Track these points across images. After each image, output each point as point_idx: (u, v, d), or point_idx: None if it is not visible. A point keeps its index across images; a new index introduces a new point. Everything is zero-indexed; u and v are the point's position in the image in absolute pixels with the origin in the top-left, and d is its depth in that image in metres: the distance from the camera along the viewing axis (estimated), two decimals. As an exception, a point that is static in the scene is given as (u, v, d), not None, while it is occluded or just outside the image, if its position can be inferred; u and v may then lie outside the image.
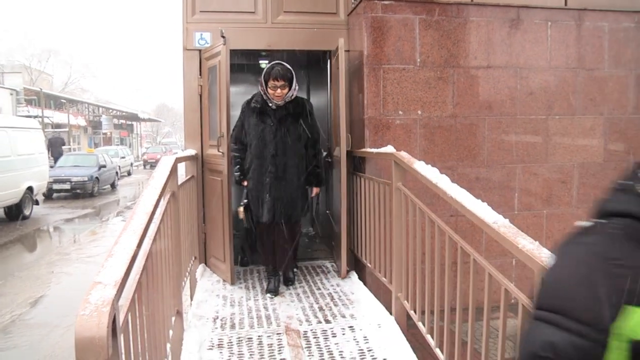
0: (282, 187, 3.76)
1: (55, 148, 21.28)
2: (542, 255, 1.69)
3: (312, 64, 6.20)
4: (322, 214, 5.65)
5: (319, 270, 4.65)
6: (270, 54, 5.63)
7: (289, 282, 4.15)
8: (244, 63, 6.45)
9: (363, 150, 4.15)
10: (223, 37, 3.93)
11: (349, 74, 4.49)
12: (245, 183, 3.92)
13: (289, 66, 3.67)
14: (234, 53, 5.03)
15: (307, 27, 4.64)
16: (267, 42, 4.62)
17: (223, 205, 4.06)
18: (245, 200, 3.93)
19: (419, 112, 4.30)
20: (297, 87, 3.74)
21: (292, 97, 3.77)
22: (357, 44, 4.36)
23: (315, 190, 4.08)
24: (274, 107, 3.76)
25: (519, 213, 4.53)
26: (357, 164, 4.37)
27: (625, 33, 4.74)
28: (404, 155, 3.26)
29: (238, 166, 3.92)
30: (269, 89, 3.69)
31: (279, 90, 3.68)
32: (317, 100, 6.45)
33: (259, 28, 4.62)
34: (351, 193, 4.33)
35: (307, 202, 4.05)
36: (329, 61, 4.83)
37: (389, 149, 3.65)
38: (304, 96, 6.93)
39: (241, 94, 6.81)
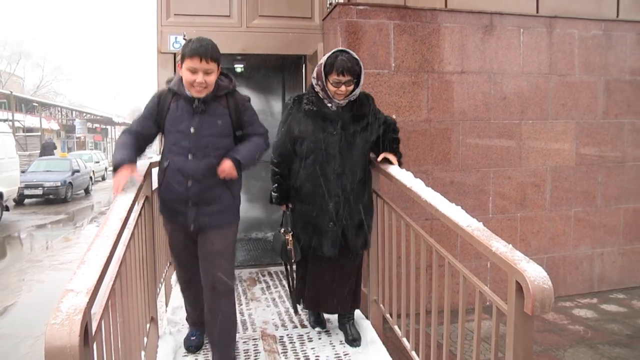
0: (350, 213, 2.87)
1: (48, 153, 21.17)
2: (515, 257, 1.72)
3: (287, 69, 6.23)
4: None
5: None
6: (245, 58, 5.63)
7: (354, 342, 3.08)
8: (221, 67, 6.42)
9: None
10: (185, 39, 3.92)
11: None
12: (286, 207, 3.06)
13: (356, 55, 2.76)
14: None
15: (282, 31, 4.67)
16: (242, 46, 4.62)
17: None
18: (290, 230, 3.01)
19: (394, 116, 4.31)
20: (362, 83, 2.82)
21: (356, 96, 2.85)
22: (331, 49, 4.31)
23: (392, 157, 2.97)
24: (334, 107, 2.82)
25: (493, 216, 4.61)
26: None
27: (593, 40, 4.89)
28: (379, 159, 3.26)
29: (277, 185, 2.99)
30: (329, 85, 2.74)
31: (343, 88, 2.73)
32: None
33: (234, 32, 4.63)
34: None
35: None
36: (304, 66, 4.86)
37: None
38: (279, 101, 6.95)
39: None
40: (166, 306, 3.90)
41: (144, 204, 2.79)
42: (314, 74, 2.83)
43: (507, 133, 4.66)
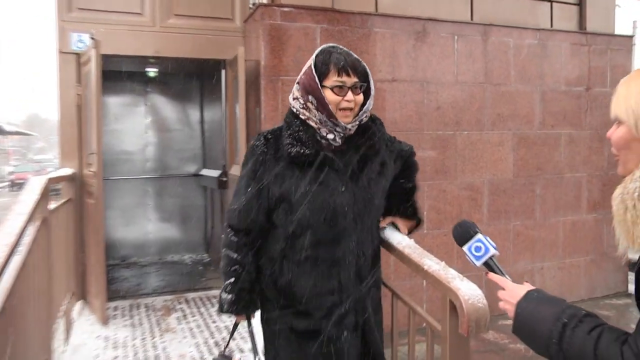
0: (370, 309, 2.05)
1: None
2: (449, 275, 1.79)
3: (206, 74, 6.30)
4: (216, 238, 5.71)
5: (214, 301, 4.72)
6: (159, 62, 5.64)
7: None
8: (132, 71, 6.39)
9: None
10: (93, 39, 3.93)
11: (245, 86, 4.62)
12: (247, 319, 2.10)
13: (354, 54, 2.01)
14: (118, 59, 4.96)
15: (200, 32, 4.76)
16: (155, 47, 4.66)
17: (96, 233, 4.02)
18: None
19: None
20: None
21: (369, 115, 2.05)
22: (253, 53, 4.54)
23: (403, 224, 2.25)
24: (337, 141, 1.96)
25: (428, 232, 4.88)
26: None
27: (529, 49, 5.32)
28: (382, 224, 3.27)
29: (233, 281, 2.02)
30: (328, 94, 1.90)
31: (350, 95, 1.90)
32: (211, 114, 6.58)
33: (146, 31, 4.67)
34: None
35: None
36: (223, 71, 4.98)
37: None
38: (197, 109, 6.95)
39: (127, 105, 6.75)
40: (67, 344, 3.84)
41: (39, 226, 2.77)
42: (297, 89, 1.97)
43: (441, 144, 4.97)
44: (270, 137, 1.98)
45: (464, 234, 1.56)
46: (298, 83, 1.96)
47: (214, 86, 5.73)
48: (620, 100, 1.19)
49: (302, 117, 1.94)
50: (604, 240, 5.80)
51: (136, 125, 6.88)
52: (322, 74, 1.91)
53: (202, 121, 7.06)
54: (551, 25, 5.57)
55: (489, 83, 5.17)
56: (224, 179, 4.93)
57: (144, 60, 5.64)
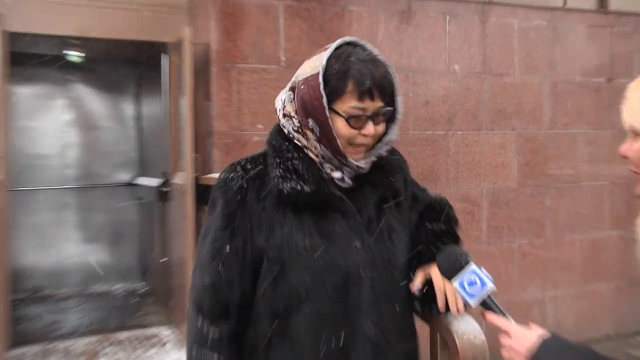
0: None
1: None
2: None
3: (142, 60, 6.27)
4: (156, 263, 5.74)
5: (153, 341, 4.70)
6: (85, 43, 5.60)
7: None
8: (49, 54, 6.34)
9: (211, 176, 4.34)
10: None
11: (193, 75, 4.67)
12: None
13: (378, 52, 1.73)
14: (31, 38, 4.92)
15: (136, 8, 4.73)
16: (79, 25, 4.64)
17: None
18: None
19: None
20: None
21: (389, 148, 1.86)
22: (202, 35, 4.58)
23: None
24: (346, 180, 1.76)
25: None
26: (204, 194, 4.49)
27: (537, 32, 5.46)
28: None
29: None
30: (338, 124, 1.64)
31: (370, 128, 1.66)
32: (149, 109, 6.60)
33: (67, 4, 4.61)
34: (197, 232, 4.36)
35: None
36: (165, 57, 5.01)
37: None
38: (131, 103, 6.98)
39: (42, 96, 6.68)
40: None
41: None
42: (290, 101, 1.72)
43: (430, 147, 5.08)
44: (250, 167, 1.72)
45: (452, 264, 1.54)
46: (292, 91, 1.70)
47: (153, 75, 5.71)
48: (634, 108, 1.21)
49: (298, 142, 1.71)
50: (632, 262, 5.72)
51: (54, 122, 6.79)
52: (335, 93, 1.62)
53: (138, 117, 6.99)
54: (564, 4, 5.69)
55: (488, 73, 5.29)
56: (166, 189, 4.94)
57: (64, 41, 5.61)
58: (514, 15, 5.37)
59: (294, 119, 1.70)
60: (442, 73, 5.10)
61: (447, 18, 5.13)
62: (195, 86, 4.60)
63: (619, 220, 5.82)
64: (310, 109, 1.63)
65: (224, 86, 4.40)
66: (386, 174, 1.80)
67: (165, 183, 5.11)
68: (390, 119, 1.74)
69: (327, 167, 1.72)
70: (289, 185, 1.65)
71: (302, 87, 1.65)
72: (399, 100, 1.72)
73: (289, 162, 1.69)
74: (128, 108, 6.96)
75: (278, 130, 1.76)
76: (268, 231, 1.66)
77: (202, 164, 4.55)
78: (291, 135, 1.72)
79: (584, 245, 5.71)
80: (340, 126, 1.63)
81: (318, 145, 1.67)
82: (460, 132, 5.18)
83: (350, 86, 1.61)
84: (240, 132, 4.46)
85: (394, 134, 1.76)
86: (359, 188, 1.76)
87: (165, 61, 5.05)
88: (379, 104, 1.65)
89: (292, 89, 1.71)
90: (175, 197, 4.60)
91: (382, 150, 1.76)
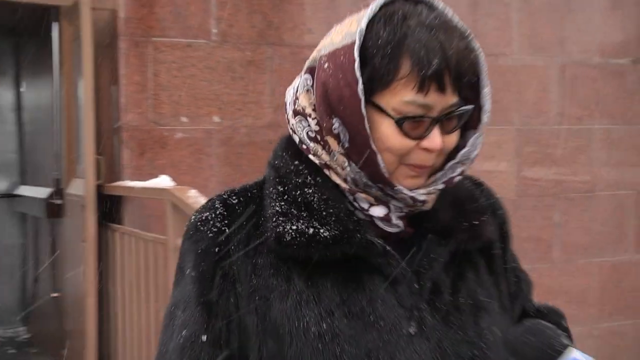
0: None
1: None
2: None
3: (23, 30, 6.27)
4: (44, 299, 5.66)
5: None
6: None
7: None
8: None
9: (120, 184, 4.34)
10: None
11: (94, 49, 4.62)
12: None
13: (456, 18, 1.39)
14: None
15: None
16: None
17: None
18: None
19: (217, 118, 4.58)
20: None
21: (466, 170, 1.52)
22: None
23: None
24: (395, 221, 1.39)
25: None
26: (110, 208, 4.51)
27: (542, 1, 5.39)
28: (187, 193, 3.54)
29: None
30: (386, 129, 1.30)
31: (435, 138, 1.29)
32: (34, 96, 6.56)
33: None
34: (101, 259, 4.43)
35: None
36: (56, 26, 4.93)
37: (164, 181, 3.93)
38: (9, 88, 6.93)
39: None
40: None
41: None
42: (307, 89, 1.40)
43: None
44: (236, 201, 1.43)
45: (544, 349, 1.25)
46: (311, 73, 1.37)
47: (39, 50, 5.71)
48: None
49: (315, 160, 1.36)
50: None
51: None
52: (379, 78, 1.26)
53: (18, 107, 7.03)
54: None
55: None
56: (58, 201, 4.83)
57: None
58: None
59: (309, 119, 1.34)
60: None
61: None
62: (98, 66, 4.54)
63: (646, 239, 5.91)
64: (335, 102, 1.26)
65: (136, 66, 4.40)
66: (465, 213, 1.43)
67: (57, 193, 5.01)
68: (468, 122, 1.35)
69: (362, 200, 1.35)
70: (293, 228, 1.30)
71: (326, 66, 1.29)
72: (486, 93, 1.32)
73: (298, 191, 1.35)
74: (4, 95, 6.90)
75: (286, 142, 1.43)
76: (262, 306, 1.33)
77: (108, 169, 4.51)
78: (304, 147, 1.36)
79: (603, 271, 5.72)
80: (386, 133, 1.26)
81: (346, 162, 1.30)
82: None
83: (405, 67, 1.23)
84: (158, 126, 4.46)
85: (475, 147, 1.36)
86: (417, 235, 1.38)
87: (55, 32, 4.98)
88: (452, 99, 1.26)
89: (311, 70, 1.36)
90: (70, 213, 4.57)
91: (456, 173, 1.36)
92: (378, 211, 1.32)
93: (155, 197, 3.94)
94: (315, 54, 1.34)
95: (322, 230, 1.27)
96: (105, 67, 4.53)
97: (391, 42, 1.22)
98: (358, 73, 1.20)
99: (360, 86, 1.20)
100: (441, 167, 1.33)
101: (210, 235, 1.34)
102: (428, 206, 1.34)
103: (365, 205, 1.33)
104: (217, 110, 4.51)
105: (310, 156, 1.34)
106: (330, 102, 1.25)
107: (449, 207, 1.40)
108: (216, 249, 1.33)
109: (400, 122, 1.23)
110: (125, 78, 4.35)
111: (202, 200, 3.32)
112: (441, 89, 1.22)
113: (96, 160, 4.35)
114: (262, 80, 4.63)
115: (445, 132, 1.27)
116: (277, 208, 1.31)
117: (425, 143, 1.25)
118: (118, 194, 4.37)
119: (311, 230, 1.27)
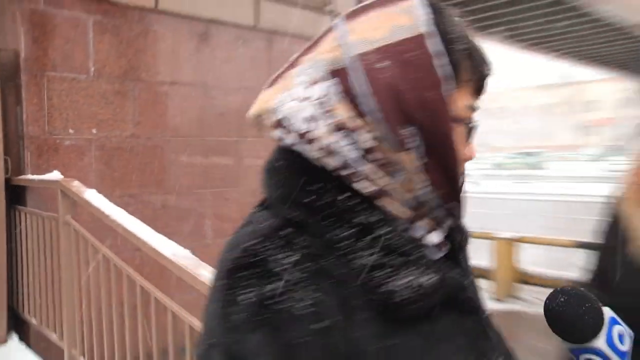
0: None
1: None
2: None
3: None
4: None
5: None
6: None
7: None
8: None
9: (22, 177, 5.37)
10: None
11: (1, 79, 5.50)
12: None
13: None
14: None
15: None
16: None
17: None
18: None
19: (94, 131, 5.86)
20: None
21: None
22: (9, 41, 5.49)
23: None
24: (442, 250, 1.13)
25: (213, 241, 6.53)
26: (17, 195, 5.47)
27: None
28: (72, 183, 4.43)
29: None
30: (461, 134, 1.09)
31: (475, 149, 1.17)
32: None
33: None
34: (10, 233, 5.38)
35: None
36: None
37: (55, 175, 4.93)
38: None
39: None
40: None
41: None
42: (344, 96, 1.01)
43: (224, 151, 6.72)
44: (304, 247, 0.98)
45: (591, 316, 1.17)
46: (339, 75, 1.01)
47: None
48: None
49: (366, 186, 1.00)
50: None
51: None
52: (452, 78, 1.03)
53: None
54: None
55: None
56: None
57: None
58: (296, 44, 5.92)
59: (359, 134, 0.99)
60: (235, 89, 6.76)
61: (240, 42, 6.87)
62: (5, 91, 5.45)
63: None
64: (414, 107, 0.98)
65: (35, 92, 5.39)
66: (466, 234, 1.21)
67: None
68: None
69: (420, 227, 1.07)
70: (404, 282, 0.95)
71: (383, 64, 0.98)
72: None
73: (372, 235, 0.98)
74: None
75: (296, 172, 1.04)
76: None
77: (15, 166, 5.44)
78: (345, 172, 1.00)
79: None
80: (458, 141, 1.04)
81: (421, 181, 1.02)
82: (249, 139, 6.81)
83: (469, 69, 1.06)
84: (52, 136, 5.52)
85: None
86: (452, 255, 1.13)
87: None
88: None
89: (336, 72, 1.01)
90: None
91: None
92: (436, 237, 1.08)
93: (50, 186, 4.86)
94: (330, 55, 1.02)
95: (429, 277, 0.97)
96: (11, 93, 5.40)
97: (459, 40, 1.02)
98: (439, 71, 0.98)
99: (443, 86, 0.98)
100: None
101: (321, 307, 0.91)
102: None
103: (422, 233, 1.06)
104: (95, 125, 5.68)
105: (357, 184, 0.99)
106: (405, 108, 0.97)
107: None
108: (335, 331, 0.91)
109: (471, 129, 1.08)
110: (26, 101, 5.32)
111: (84, 188, 4.28)
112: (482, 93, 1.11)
113: (5, 160, 5.26)
114: (127, 105, 5.93)
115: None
116: (370, 258, 0.95)
117: (470, 151, 1.09)
118: (22, 184, 5.31)
119: (425, 280, 0.96)
